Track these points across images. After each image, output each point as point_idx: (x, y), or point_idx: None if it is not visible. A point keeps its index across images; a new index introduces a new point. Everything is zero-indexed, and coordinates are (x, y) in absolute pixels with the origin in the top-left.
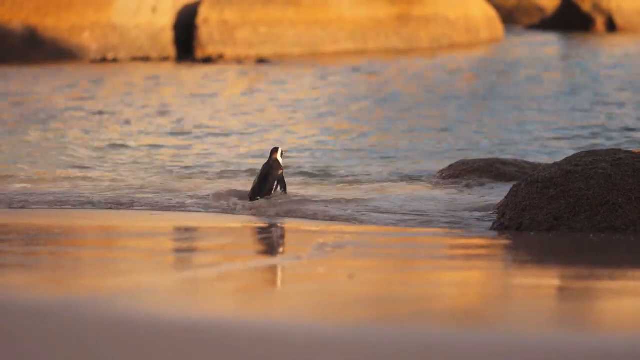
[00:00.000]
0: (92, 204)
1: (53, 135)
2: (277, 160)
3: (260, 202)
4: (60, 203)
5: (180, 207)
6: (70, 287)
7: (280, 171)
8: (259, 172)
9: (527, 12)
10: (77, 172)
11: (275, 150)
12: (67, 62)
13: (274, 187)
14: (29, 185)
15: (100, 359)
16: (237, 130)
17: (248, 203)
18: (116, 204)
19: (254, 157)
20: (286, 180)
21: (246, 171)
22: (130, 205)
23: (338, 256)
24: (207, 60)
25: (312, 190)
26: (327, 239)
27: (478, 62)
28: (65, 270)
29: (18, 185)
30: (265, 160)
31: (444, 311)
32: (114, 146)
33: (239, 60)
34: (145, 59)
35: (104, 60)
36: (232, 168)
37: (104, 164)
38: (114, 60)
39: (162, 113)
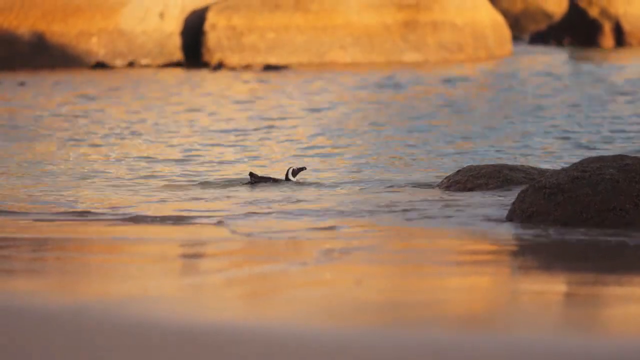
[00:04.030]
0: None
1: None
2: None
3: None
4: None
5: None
6: (78, 293)
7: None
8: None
9: (534, 18)
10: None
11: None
12: (74, 69)
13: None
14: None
15: None
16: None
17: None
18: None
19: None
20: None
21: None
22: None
23: (345, 261)
24: (217, 67)
25: (325, 196)
26: (334, 244)
27: (485, 72)
28: (73, 276)
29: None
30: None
31: (452, 316)
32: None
33: (246, 67)
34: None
35: (104, 65)
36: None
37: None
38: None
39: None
